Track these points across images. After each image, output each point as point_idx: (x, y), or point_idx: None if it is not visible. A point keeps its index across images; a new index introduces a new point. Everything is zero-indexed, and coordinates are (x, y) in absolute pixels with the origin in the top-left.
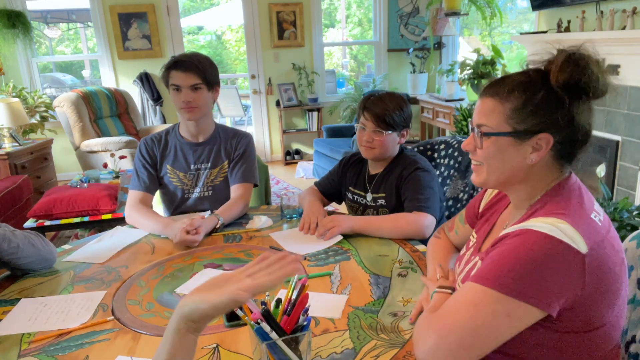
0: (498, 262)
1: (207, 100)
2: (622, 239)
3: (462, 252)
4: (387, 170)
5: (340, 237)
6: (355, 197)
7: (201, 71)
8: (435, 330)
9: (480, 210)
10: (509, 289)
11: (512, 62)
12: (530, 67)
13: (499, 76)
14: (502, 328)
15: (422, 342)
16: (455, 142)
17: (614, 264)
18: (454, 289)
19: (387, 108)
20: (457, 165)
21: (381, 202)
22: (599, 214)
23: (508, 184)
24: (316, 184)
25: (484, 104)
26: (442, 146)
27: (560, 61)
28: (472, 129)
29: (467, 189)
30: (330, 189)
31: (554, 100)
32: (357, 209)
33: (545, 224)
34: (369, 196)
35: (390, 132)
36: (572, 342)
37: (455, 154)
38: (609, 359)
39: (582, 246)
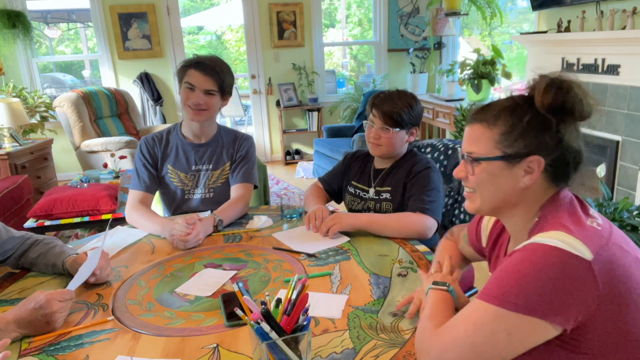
0: (501, 278)
1: (217, 106)
2: None
3: None
4: (395, 165)
5: (347, 238)
6: (357, 191)
7: (220, 79)
8: (435, 347)
9: (485, 245)
10: (511, 304)
11: (512, 62)
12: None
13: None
14: (502, 345)
15: (423, 356)
16: (441, 146)
17: (627, 264)
18: (449, 285)
19: (395, 106)
20: (442, 169)
21: (385, 195)
22: (595, 219)
23: (502, 210)
24: (320, 179)
25: (472, 131)
26: (429, 149)
27: (544, 85)
28: (463, 156)
29: (452, 193)
30: (334, 185)
31: (541, 122)
32: (358, 203)
33: (545, 238)
34: (372, 191)
35: (397, 129)
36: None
37: (441, 157)
38: None
39: (586, 253)
